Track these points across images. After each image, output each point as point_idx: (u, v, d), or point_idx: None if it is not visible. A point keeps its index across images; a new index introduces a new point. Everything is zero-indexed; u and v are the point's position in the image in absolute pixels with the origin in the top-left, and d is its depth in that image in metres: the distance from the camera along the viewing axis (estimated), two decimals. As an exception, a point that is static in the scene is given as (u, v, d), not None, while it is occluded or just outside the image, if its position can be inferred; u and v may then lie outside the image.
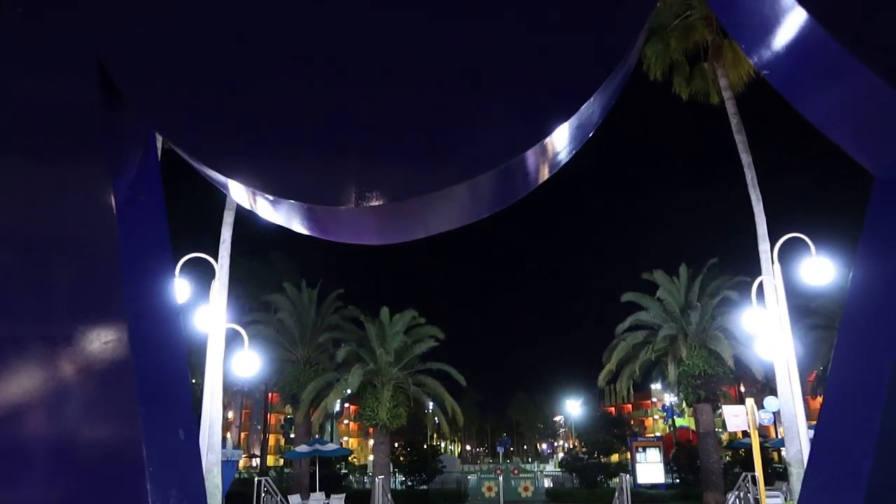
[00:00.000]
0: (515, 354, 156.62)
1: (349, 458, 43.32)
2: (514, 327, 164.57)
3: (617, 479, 33.01)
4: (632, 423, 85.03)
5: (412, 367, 27.24)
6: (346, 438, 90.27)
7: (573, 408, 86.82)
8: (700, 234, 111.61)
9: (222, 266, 17.58)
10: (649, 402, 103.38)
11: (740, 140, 17.68)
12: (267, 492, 17.80)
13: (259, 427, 67.40)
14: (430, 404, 29.60)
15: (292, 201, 2.10)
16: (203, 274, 16.85)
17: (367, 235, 2.62)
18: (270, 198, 2.10)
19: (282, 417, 72.23)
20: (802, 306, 24.43)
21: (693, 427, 64.98)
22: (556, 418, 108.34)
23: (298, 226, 2.36)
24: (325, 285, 31.69)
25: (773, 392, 36.59)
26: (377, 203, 2.03)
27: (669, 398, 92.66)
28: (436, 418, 37.25)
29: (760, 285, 15.68)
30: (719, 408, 21.57)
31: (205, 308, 15.13)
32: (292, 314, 30.04)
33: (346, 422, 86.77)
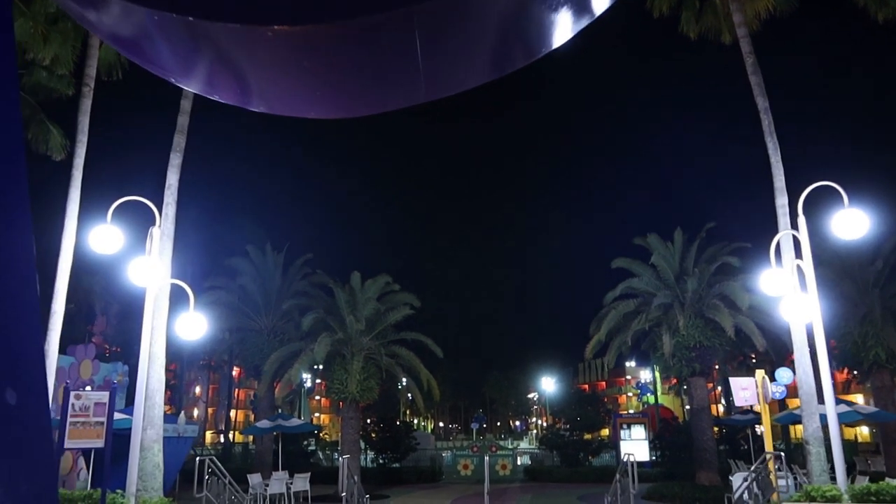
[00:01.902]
0: (490, 329, 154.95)
1: (321, 435, 41.66)
2: (490, 301, 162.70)
3: (594, 459, 31.68)
4: (605, 400, 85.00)
5: (385, 336, 25.22)
6: (317, 414, 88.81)
7: (548, 384, 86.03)
8: (696, 199, 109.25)
9: (167, 215, 15.33)
10: (623, 379, 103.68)
11: (756, 82, 15.79)
12: (212, 473, 15.71)
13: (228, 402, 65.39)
14: (404, 379, 27.72)
15: (181, 19, 1.43)
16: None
17: (304, 93, 1.86)
18: (156, 17, 1.44)
19: (251, 393, 70.43)
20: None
21: (667, 404, 64.59)
22: (530, 395, 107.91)
23: (212, 80, 1.75)
24: (293, 252, 29.60)
25: (761, 365, 35.40)
26: (312, 23, 1.43)
27: (645, 375, 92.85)
28: (409, 394, 35.47)
29: (775, 246, 13.93)
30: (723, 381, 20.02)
31: (141, 260, 12.93)
32: (255, 280, 27.82)
33: (317, 398, 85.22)
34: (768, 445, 14.56)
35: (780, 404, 31.13)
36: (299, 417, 46.39)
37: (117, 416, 16.85)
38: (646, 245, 24.57)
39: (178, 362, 57.03)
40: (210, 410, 77.46)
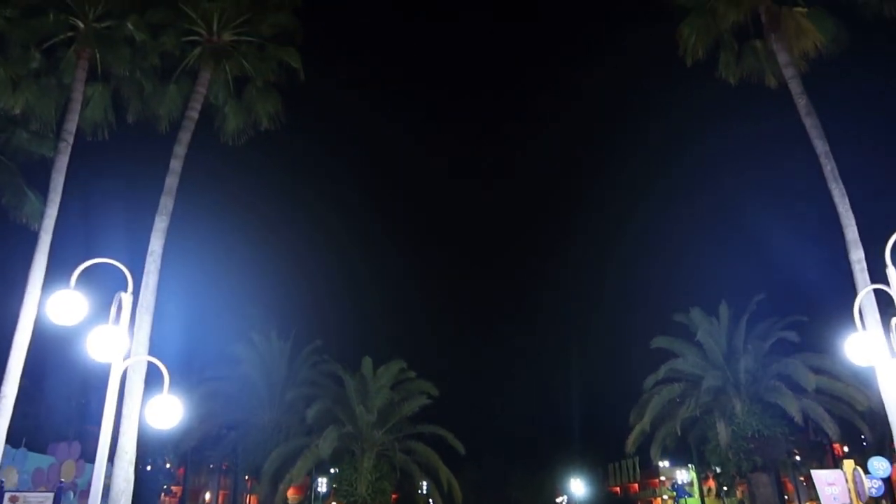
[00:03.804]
0: (514, 424, 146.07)
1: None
2: (513, 393, 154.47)
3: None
4: (639, 503, 79.55)
5: (399, 430, 22.60)
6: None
7: (577, 487, 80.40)
8: (739, 269, 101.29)
9: (147, 284, 13.54)
10: (657, 480, 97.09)
11: (811, 124, 14.04)
12: None
13: (239, 509, 61.24)
14: (424, 483, 24.80)
15: None
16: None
17: None
18: None
19: (264, 499, 66.23)
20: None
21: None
22: (558, 499, 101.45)
23: None
24: (300, 337, 27.49)
25: (810, 458, 31.63)
26: None
27: (681, 476, 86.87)
28: (430, 500, 32.24)
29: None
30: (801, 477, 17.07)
31: (105, 330, 10.94)
32: (259, 369, 25.57)
33: (334, 503, 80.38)
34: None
35: None
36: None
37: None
38: (687, 322, 22.20)
39: (184, 465, 53.81)
40: (220, 518, 73.03)
